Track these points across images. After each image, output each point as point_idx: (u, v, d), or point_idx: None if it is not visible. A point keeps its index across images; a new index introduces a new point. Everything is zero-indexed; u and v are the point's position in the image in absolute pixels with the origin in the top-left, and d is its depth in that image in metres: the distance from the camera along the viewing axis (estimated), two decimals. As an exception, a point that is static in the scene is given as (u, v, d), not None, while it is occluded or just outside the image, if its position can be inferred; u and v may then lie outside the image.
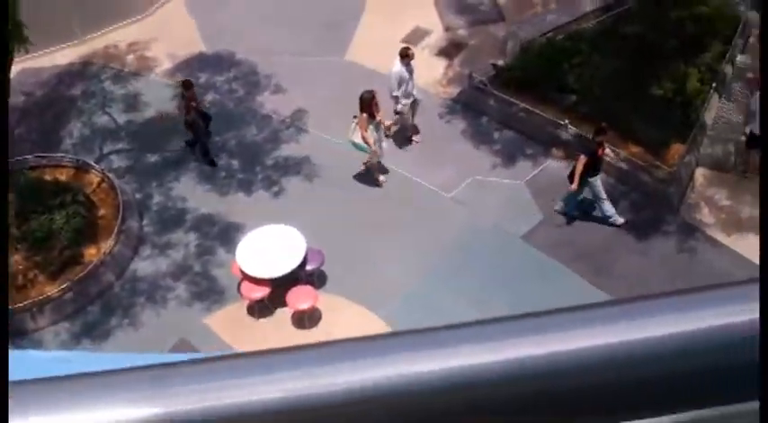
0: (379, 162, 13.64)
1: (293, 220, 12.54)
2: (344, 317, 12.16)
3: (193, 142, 14.21)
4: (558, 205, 13.27)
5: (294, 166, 14.12)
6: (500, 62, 14.85)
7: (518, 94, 14.29)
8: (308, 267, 12.29)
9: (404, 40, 15.81)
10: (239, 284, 12.36)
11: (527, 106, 14.13)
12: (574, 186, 12.68)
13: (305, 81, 15.19)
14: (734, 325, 0.99)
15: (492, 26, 15.99)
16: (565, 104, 14.12)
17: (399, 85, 13.49)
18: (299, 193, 13.78)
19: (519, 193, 13.60)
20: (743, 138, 13.56)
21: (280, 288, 12.09)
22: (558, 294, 11.59)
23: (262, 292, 12.16)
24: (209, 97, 15.27)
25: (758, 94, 13.06)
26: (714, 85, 13.82)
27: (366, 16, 16.33)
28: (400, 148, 14.24)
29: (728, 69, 14.24)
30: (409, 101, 13.77)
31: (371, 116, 12.98)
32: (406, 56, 13.48)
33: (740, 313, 1.03)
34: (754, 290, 1.00)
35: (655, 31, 13.80)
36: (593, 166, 12.63)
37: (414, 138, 14.27)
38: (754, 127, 13.08)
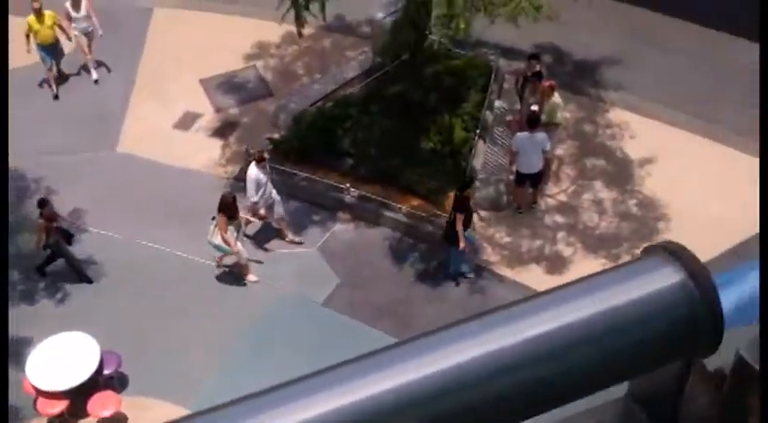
0: (246, 262, 13.31)
1: (83, 326, 11.97)
2: (152, 416, 11.67)
3: (45, 264, 13.30)
4: (450, 269, 13.21)
5: (77, 269, 13.54)
6: (275, 136, 15.05)
7: (297, 164, 14.50)
8: (106, 372, 11.74)
9: (176, 126, 15.73)
10: (35, 402, 11.61)
11: (308, 175, 14.36)
12: (462, 245, 12.66)
13: (78, 179, 14.69)
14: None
15: (262, 102, 16.20)
16: (344, 168, 14.46)
17: (257, 189, 13.31)
18: (85, 295, 13.20)
19: (313, 261, 13.71)
20: (511, 177, 14.40)
21: (79, 398, 11.47)
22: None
23: (60, 407, 11.47)
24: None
25: (517, 135, 13.93)
26: (478, 131, 14.63)
27: (134, 106, 16.08)
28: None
29: (488, 115, 15.14)
30: (268, 204, 13.59)
31: (231, 217, 12.73)
32: (262, 160, 13.30)
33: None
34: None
35: (415, 89, 14.50)
36: (467, 221, 12.86)
37: (289, 238, 13.93)
38: (519, 166, 13.92)
